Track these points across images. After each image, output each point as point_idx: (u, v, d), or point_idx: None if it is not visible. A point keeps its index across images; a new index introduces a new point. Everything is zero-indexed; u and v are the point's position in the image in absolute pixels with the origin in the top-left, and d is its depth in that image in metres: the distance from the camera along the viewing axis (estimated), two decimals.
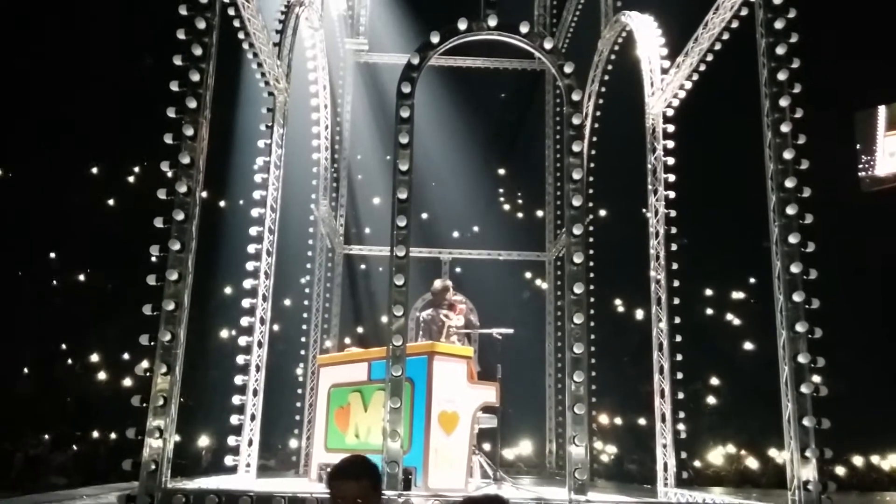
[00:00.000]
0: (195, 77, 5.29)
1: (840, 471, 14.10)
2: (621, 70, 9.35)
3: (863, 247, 14.56)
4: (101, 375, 14.40)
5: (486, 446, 8.02)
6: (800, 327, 5.22)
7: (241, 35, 6.42)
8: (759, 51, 5.68)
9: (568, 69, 6.01)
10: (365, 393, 7.06)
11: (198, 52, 5.33)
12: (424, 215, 15.51)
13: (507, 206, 17.41)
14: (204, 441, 13.32)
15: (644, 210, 7.95)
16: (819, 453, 5.08)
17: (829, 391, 5.24)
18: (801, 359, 5.18)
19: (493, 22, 6.05)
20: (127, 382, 12.97)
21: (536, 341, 11.71)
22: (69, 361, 14.81)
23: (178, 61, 5.33)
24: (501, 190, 17.28)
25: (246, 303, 6.90)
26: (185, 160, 5.18)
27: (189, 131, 5.20)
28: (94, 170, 15.36)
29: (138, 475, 4.83)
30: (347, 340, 12.64)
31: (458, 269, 13.25)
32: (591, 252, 9.74)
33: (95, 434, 13.63)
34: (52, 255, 15.41)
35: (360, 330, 14.20)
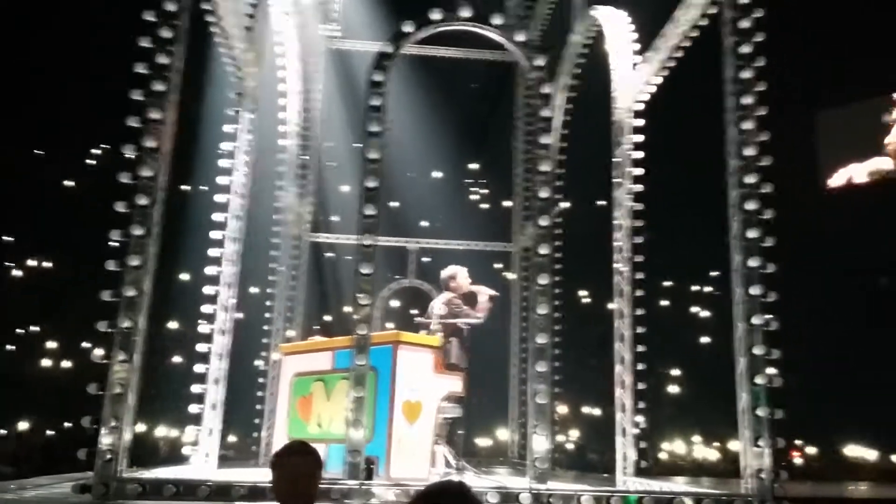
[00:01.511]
0: (164, 60, 5.20)
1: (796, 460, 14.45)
2: (592, 64, 9.40)
3: (822, 242, 14.91)
4: (57, 363, 14.15)
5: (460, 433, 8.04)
6: (756, 320, 5.35)
7: (210, 18, 6.31)
8: (725, 49, 5.77)
9: (538, 62, 6.04)
10: (328, 382, 7.04)
11: (167, 34, 5.24)
12: (395, 204, 15.51)
13: (474, 197, 17.47)
14: (164, 430, 13.17)
15: (608, 203, 8.03)
16: (772, 442, 5.22)
17: (784, 383, 5.38)
18: (757, 350, 5.31)
19: (466, 13, 6.05)
20: (84, 370, 12.74)
21: (502, 332, 11.76)
22: (23, 348, 14.51)
23: (146, 44, 5.23)
24: (471, 181, 17.33)
25: (209, 290, 6.81)
26: (151, 144, 5.09)
27: (156, 115, 5.11)
28: (55, 152, 15.03)
29: (93, 465, 4.76)
30: (316, 328, 12.60)
31: (425, 259, 13.26)
32: (558, 244, 9.84)
33: (52, 423, 13.40)
34: (9, 238, 15.07)
35: (325, 318, 14.15)
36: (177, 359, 10.74)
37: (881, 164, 17.51)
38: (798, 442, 14.65)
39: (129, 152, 5.07)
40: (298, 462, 2.91)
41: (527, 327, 9.35)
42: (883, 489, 11.60)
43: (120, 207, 5.01)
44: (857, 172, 17.53)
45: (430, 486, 2.22)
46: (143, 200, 5.02)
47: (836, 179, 17.76)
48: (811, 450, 15.38)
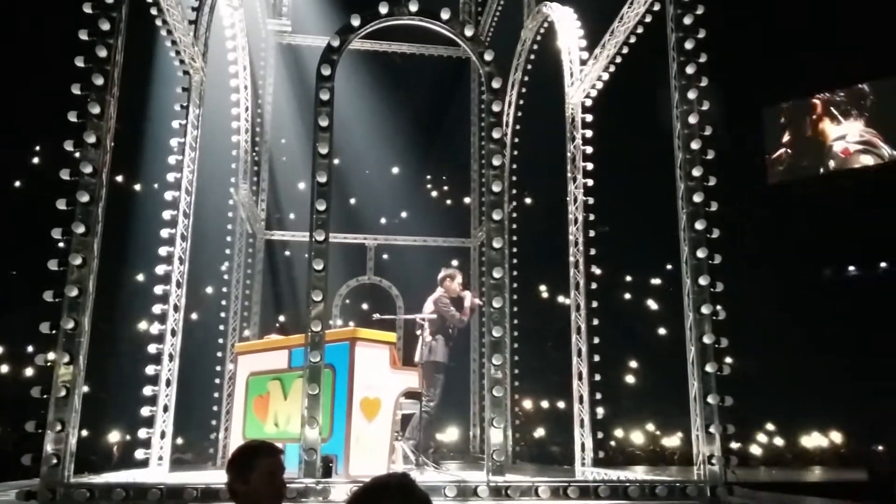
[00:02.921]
0: (102, 53, 5.08)
1: (746, 446, 14.78)
2: (543, 60, 9.49)
3: (767, 233, 15.26)
4: (1, 367, 13.74)
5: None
6: (705, 309, 5.46)
7: (153, 11, 6.19)
8: (669, 45, 5.88)
9: (488, 57, 6.05)
10: (285, 381, 6.97)
11: (105, 26, 5.12)
12: (352, 201, 15.41)
13: (433, 193, 17.46)
14: (115, 435, 12.88)
15: (563, 198, 8.11)
16: (723, 429, 5.34)
17: (737, 370, 5.51)
18: (706, 339, 5.42)
19: (414, 7, 6.04)
20: (29, 373, 12.39)
21: (462, 328, 11.78)
22: None
23: (84, 36, 5.11)
24: (428, 177, 17.31)
25: (159, 289, 6.68)
26: (91, 139, 4.97)
27: (95, 109, 4.99)
28: None
29: (39, 470, 4.64)
30: (277, 325, 12.48)
31: (384, 256, 13.22)
32: (515, 238, 9.92)
33: None
34: None
35: (281, 318, 14.01)
36: (128, 360, 10.51)
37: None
38: (751, 428, 14.98)
39: (70, 147, 4.93)
40: (276, 462, 2.85)
41: (484, 322, 9.40)
42: (835, 473, 11.92)
43: (61, 205, 4.88)
44: (800, 165, 18.08)
45: (372, 481, 2.18)
46: (84, 197, 4.90)
47: (780, 174, 18.24)
48: (764, 436, 15.75)
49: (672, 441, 15.49)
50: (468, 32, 6.14)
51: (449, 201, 17.00)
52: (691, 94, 5.68)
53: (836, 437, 15.62)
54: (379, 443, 6.50)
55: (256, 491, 2.78)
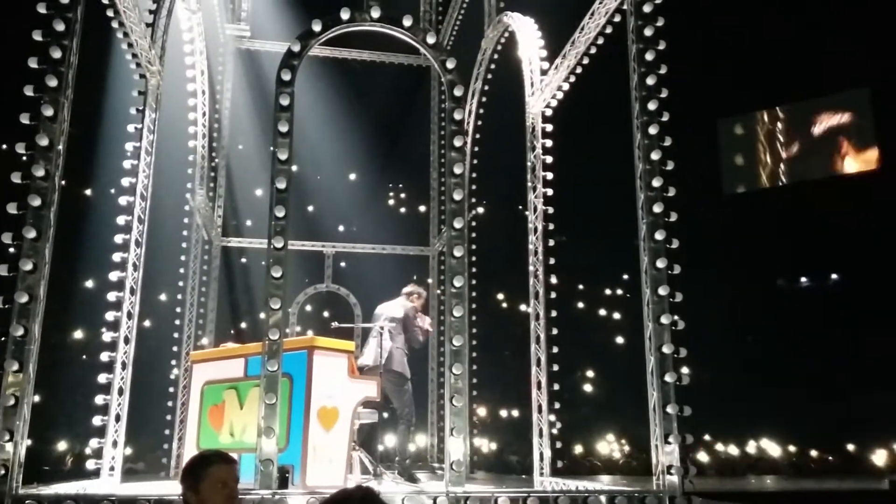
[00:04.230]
0: (56, 54, 4.94)
1: (702, 456, 15.01)
2: (504, 69, 9.54)
3: (724, 244, 15.58)
4: None
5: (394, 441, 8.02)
6: (664, 319, 5.51)
7: (109, 13, 6.05)
8: (630, 56, 5.96)
9: (450, 64, 6.06)
10: (241, 390, 6.85)
11: (60, 27, 4.98)
12: (310, 208, 15.28)
13: (391, 202, 17.42)
14: (65, 445, 12.51)
15: (522, 207, 8.15)
16: (681, 439, 5.39)
17: (692, 380, 5.57)
18: (666, 349, 5.47)
19: (376, 13, 6.03)
20: None
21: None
22: None
23: (37, 36, 4.97)
24: (386, 185, 17.27)
25: (112, 296, 6.51)
26: (44, 142, 4.83)
27: (48, 111, 4.85)
28: None
29: None
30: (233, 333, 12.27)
31: (342, 264, 13.12)
32: (474, 247, 9.94)
33: None
34: None
35: (242, 326, 13.81)
36: (79, 369, 10.23)
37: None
38: (707, 438, 15.22)
39: (21, 150, 4.79)
40: (228, 470, 2.82)
41: (443, 331, 9.41)
42: (790, 482, 12.17)
43: (11, 209, 4.73)
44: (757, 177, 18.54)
45: (336, 493, 2.17)
46: (36, 201, 4.75)
47: (736, 184, 18.69)
48: (720, 446, 16.01)
49: (631, 451, 15.64)
50: (430, 40, 6.14)
51: (407, 209, 16.98)
52: (651, 105, 5.75)
53: (790, 445, 15.95)
54: (337, 453, 6.42)
55: (207, 500, 2.74)
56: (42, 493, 4.80)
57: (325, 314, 13.73)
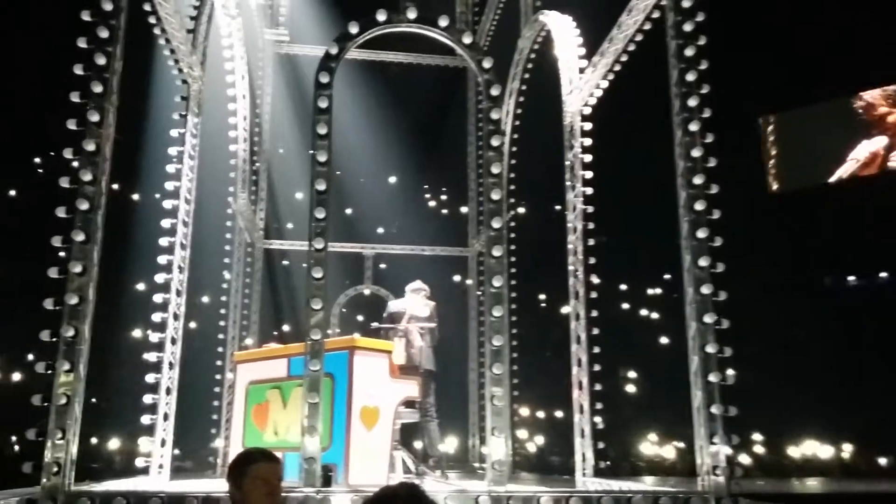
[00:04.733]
0: (101, 61, 5.07)
1: (749, 457, 14.74)
2: (541, 68, 9.49)
3: (769, 242, 15.27)
4: (1, 375, 13.71)
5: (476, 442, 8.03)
6: (708, 318, 5.42)
7: (152, 19, 6.20)
8: (669, 52, 5.87)
9: (487, 64, 6.05)
10: (284, 389, 6.93)
11: (104, 34, 5.12)
12: (350, 211, 15.41)
13: (430, 203, 17.48)
14: (116, 443, 12.83)
15: (561, 207, 8.10)
16: (727, 440, 5.29)
17: (737, 380, 5.46)
18: (710, 349, 5.38)
19: (412, 14, 6.05)
20: (28, 381, 12.37)
21: (459, 337, 11.77)
22: None
23: (82, 43, 5.11)
24: (425, 186, 17.33)
25: (158, 298, 6.66)
26: (90, 147, 4.96)
27: (94, 117, 4.98)
28: None
29: (40, 478, 4.60)
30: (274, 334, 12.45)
31: (381, 265, 13.20)
32: (514, 247, 9.87)
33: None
34: None
35: (285, 328, 13.99)
36: (128, 369, 10.50)
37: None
38: (754, 438, 14.95)
39: (69, 156, 4.93)
40: (269, 468, 2.85)
41: (483, 331, 9.42)
42: (840, 484, 11.88)
43: (61, 213, 4.87)
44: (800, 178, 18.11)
45: (381, 491, 2.17)
46: (83, 205, 4.88)
47: (780, 182, 18.26)
48: (762, 447, 15.70)
49: (674, 451, 15.43)
50: (466, 40, 6.14)
51: (446, 210, 17.03)
52: (692, 102, 5.67)
53: (841, 447, 15.56)
54: (378, 451, 6.45)
55: (249, 497, 2.78)
56: (94, 490, 4.93)
57: (364, 316, 13.82)
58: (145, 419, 6.52)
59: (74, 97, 5.03)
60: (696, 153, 5.64)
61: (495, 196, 5.82)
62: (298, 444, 5.53)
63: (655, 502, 5.19)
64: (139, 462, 6.56)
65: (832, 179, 17.77)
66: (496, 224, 5.76)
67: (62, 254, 4.89)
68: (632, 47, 7.00)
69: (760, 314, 13.70)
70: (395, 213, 15.87)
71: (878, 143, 17.47)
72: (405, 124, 14.83)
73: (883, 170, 17.26)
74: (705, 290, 5.48)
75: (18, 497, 4.69)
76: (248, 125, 10.10)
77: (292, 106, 12.31)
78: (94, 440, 11.93)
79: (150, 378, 6.57)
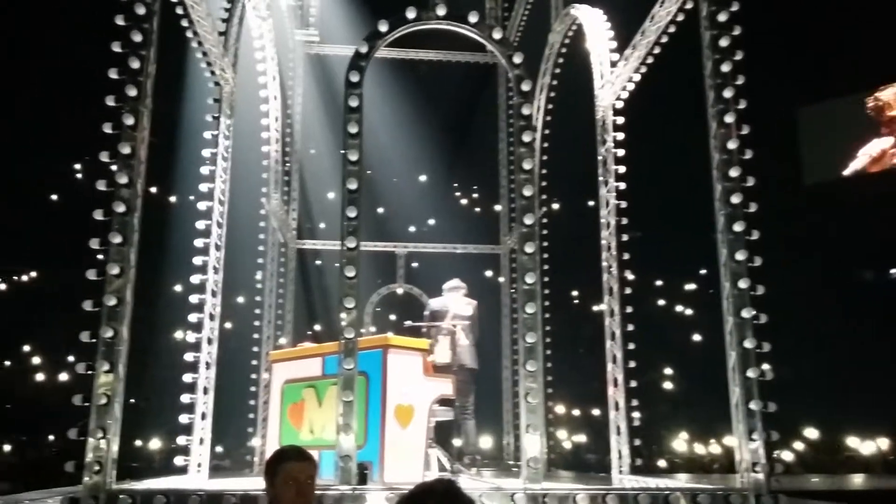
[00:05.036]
0: (135, 64, 5.15)
1: (790, 454, 14.48)
2: (572, 63, 9.42)
3: (808, 235, 14.98)
4: (44, 376, 14.04)
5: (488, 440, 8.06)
6: (745, 313, 5.33)
7: (184, 23, 6.27)
8: (703, 43, 5.77)
9: (517, 59, 6.01)
10: (319, 388, 6.98)
11: (137, 38, 5.19)
12: (381, 210, 15.47)
13: (462, 200, 17.46)
14: (156, 442, 13.06)
15: (594, 202, 8.03)
16: (766, 436, 5.20)
17: (777, 376, 5.36)
18: (747, 344, 5.28)
19: (441, 11, 6.03)
20: (70, 382, 12.65)
21: (493, 335, 11.74)
22: (8, 363, 14.37)
23: (116, 48, 5.19)
24: (456, 184, 17.32)
25: (194, 298, 6.74)
26: (126, 150, 5.04)
27: (129, 120, 5.05)
28: (34, 163, 14.86)
29: (82, 477, 4.69)
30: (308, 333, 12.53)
31: (413, 264, 13.22)
32: (546, 244, 9.82)
33: (40, 437, 13.28)
34: None
35: (316, 327, 14.09)
36: (166, 369, 10.68)
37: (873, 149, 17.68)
38: (795, 434, 14.69)
39: (105, 159, 5.01)
40: (299, 467, 2.88)
41: (517, 328, 9.38)
42: (883, 480, 11.61)
43: (98, 215, 4.95)
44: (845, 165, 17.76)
45: (417, 487, 2.16)
46: (120, 208, 4.96)
47: (821, 173, 17.92)
48: (804, 443, 15.40)
49: (712, 448, 15.22)
50: (496, 35, 6.10)
51: (478, 208, 17.00)
52: (727, 93, 5.56)
53: (883, 443, 15.21)
54: (413, 450, 6.47)
55: (280, 494, 2.81)
56: (134, 489, 5.00)
57: (397, 315, 13.85)
58: (183, 418, 6.60)
59: (110, 101, 5.10)
60: (731, 145, 5.53)
61: (527, 192, 5.78)
62: (333, 442, 5.56)
63: (694, 500, 5.11)
64: (178, 461, 6.65)
65: (846, 173, 17.61)
66: (528, 220, 5.72)
67: (100, 256, 4.96)
68: (664, 39, 6.90)
69: (799, 308, 13.43)
70: (426, 212, 15.88)
71: (887, 142, 17.42)
72: (436, 122, 14.83)
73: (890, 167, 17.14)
74: (742, 284, 5.38)
75: (61, 495, 4.79)
76: (280, 126, 10.17)
77: (323, 106, 12.38)
78: (134, 440, 12.14)
79: (187, 378, 6.66)
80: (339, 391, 5.47)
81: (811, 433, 15.25)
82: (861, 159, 17.69)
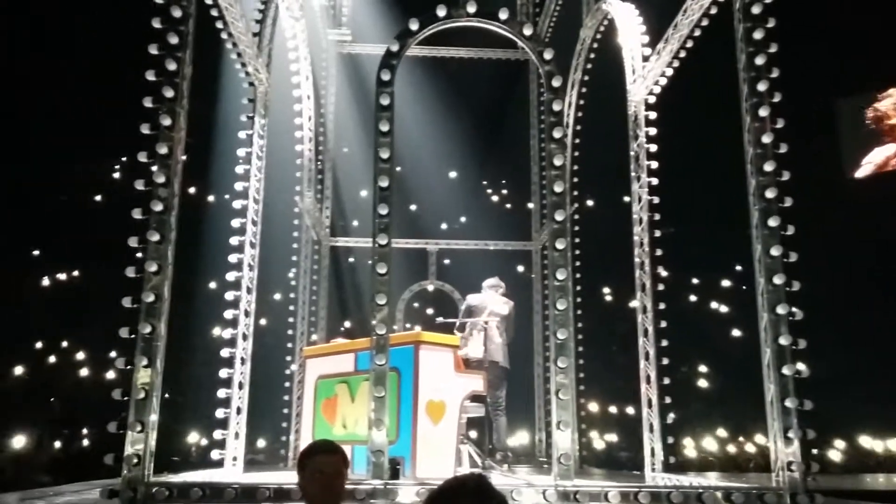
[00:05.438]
0: (171, 66, 5.26)
1: (827, 453, 14.23)
2: (603, 58, 9.36)
3: (844, 230, 14.67)
4: (85, 371, 14.36)
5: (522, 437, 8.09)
6: (780, 310, 5.26)
7: (219, 24, 6.38)
8: (737, 36, 5.70)
9: (548, 55, 6.00)
10: (352, 384, 7.06)
11: (174, 40, 5.30)
12: (413, 207, 15.51)
13: (493, 197, 17.43)
14: (193, 436, 13.29)
15: (627, 198, 7.97)
16: (802, 434, 5.13)
17: (814, 373, 5.28)
18: (783, 341, 5.22)
19: (472, 8, 6.04)
20: (110, 377, 12.94)
21: (524, 331, 11.71)
22: (52, 359, 14.72)
23: (153, 50, 5.30)
24: (487, 181, 17.30)
25: (230, 295, 6.87)
26: (163, 150, 5.15)
27: (166, 121, 5.17)
28: (73, 163, 15.19)
29: (121, 470, 4.81)
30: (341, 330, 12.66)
31: (445, 261, 13.25)
32: (578, 241, 9.79)
33: (81, 430, 13.61)
34: (35, 252, 15.28)
35: (347, 323, 14.20)
36: (203, 364, 10.88)
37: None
38: (831, 433, 14.42)
39: (143, 159, 5.13)
40: (326, 461, 2.93)
41: (548, 325, 9.36)
42: None
43: (136, 214, 5.07)
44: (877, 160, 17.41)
45: (448, 481, 2.18)
46: (158, 206, 5.07)
47: (859, 167, 17.56)
48: (841, 442, 15.11)
49: (747, 447, 15.01)
50: (527, 32, 6.10)
51: (509, 205, 16.94)
52: (761, 86, 5.49)
53: None
54: (445, 445, 6.50)
55: (309, 487, 2.86)
56: (172, 482, 5.12)
57: (429, 311, 13.90)
58: (219, 413, 6.73)
59: (147, 102, 5.22)
60: (766, 139, 5.47)
61: (558, 189, 5.77)
62: (366, 437, 5.61)
63: (728, 498, 5.07)
64: (214, 455, 6.78)
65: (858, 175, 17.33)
66: (559, 217, 5.72)
67: (139, 254, 5.08)
68: (697, 33, 6.83)
69: (837, 305, 13.18)
70: (458, 208, 15.89)
71: (890, 149, 17.10)
72: (467, 119, 14.82)
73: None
74: (777, 280, 5.31)
75: (101, 488, 4.92)
76: (313, 125, 10.28)
77: (355, 105, 12.47)
78: (173, 434, 12.37)
79: (223, 373, 6.79)
80: (371, 387, 5.53)
81: (849, 432, 14.96)
82: (866, 167, 17.42)
